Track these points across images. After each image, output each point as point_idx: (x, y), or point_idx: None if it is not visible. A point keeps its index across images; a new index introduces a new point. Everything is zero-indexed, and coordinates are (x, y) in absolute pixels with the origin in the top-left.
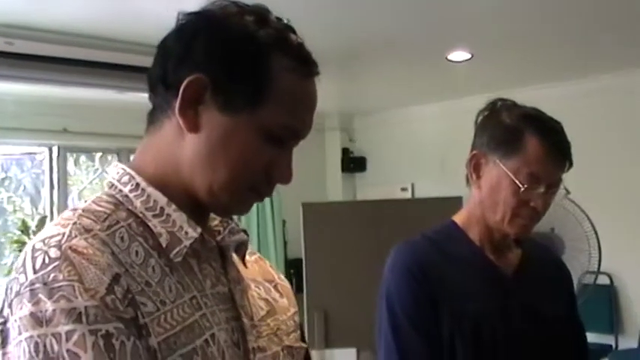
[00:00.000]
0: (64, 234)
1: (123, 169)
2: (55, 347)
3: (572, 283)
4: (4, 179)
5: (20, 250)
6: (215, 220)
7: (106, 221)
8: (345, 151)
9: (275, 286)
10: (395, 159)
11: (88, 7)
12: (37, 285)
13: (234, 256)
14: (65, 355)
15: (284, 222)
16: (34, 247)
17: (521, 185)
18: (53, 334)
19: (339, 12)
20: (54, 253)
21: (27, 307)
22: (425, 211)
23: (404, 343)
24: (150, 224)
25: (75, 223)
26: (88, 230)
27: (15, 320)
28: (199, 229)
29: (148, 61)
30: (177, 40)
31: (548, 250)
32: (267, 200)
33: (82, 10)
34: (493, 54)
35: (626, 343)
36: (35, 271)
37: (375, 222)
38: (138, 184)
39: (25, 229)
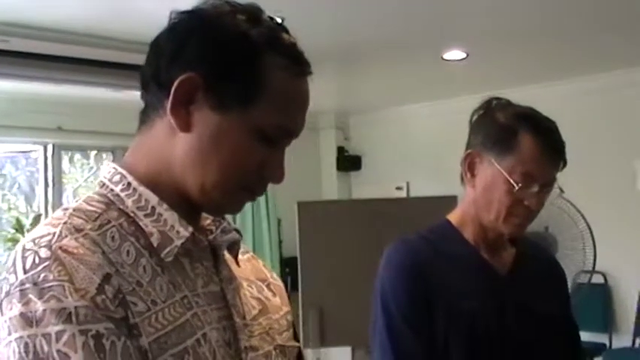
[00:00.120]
0: (54, 234)
1: (114, 168)
2: (45, 348)
3: (567, 282)
4: None
5: None
6: (207, 219)
7: (97, 221)
8: (341, 150)
9: (268, 285)
10: (390, 158)
11: (83, 5)
12: (27, 285)
13: (227, 255)
14: (55, 355)
15: (279, 221)
16: (24, 247)
17: (515, 184)
18: (43, 335)
19: (334, 11)
20: (44, 253)
21: (17, 308)
22: (420, 210)
23: (398, 342)
24: (141, 224)
25: (66, 223)
26: (78, 230)
27: (5, 321)
28: (191, 229)
29: (142, 59)
30: (170, 39)
31: (542, 249)
32: (262, 199)
33: (77, 8)
34: (488, 53)
35: (620, 342)
36: (25, 271)
37: (370, 221)
38: (129, 184)
39: (19, 227)
